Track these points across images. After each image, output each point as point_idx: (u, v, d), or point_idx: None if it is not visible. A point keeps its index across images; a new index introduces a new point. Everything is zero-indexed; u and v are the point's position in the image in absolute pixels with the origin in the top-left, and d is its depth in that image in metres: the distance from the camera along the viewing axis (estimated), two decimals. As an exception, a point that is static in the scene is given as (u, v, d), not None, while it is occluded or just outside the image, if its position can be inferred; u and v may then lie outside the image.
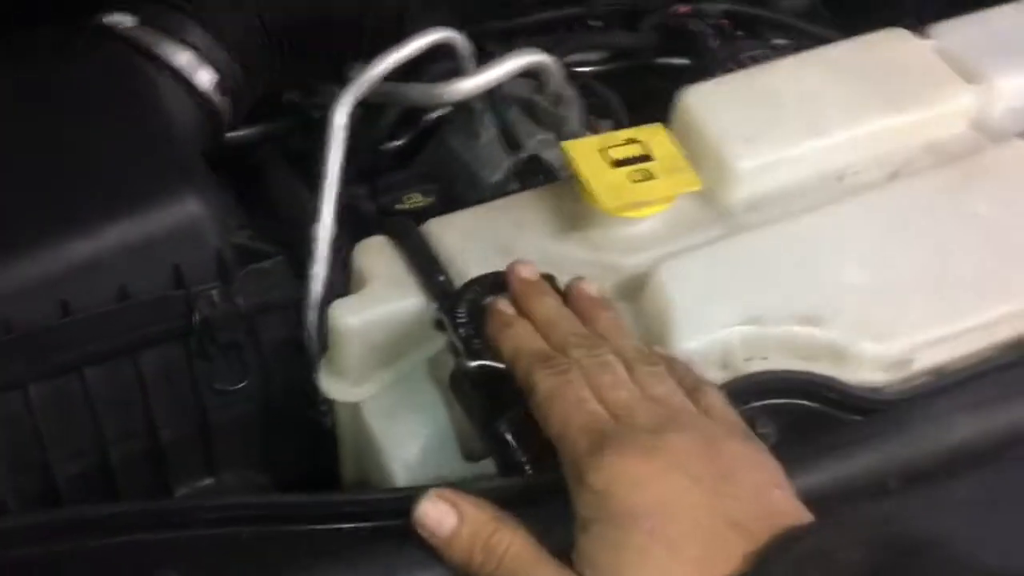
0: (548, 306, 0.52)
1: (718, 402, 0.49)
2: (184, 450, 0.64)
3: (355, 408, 0.61)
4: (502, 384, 0.53)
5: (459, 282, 0.59)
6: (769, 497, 0.44)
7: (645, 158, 0.62)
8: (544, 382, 0.48)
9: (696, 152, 0.64)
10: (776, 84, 0.67)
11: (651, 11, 0.97)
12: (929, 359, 0.56)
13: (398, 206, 0.79)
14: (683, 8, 0.95)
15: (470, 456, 0.59)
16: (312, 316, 0.67)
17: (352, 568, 0.47)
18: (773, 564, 0.41)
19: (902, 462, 0.51)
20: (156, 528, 0.46)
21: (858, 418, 0.53)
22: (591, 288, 0.55)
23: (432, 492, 0.47)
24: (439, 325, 0.55)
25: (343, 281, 0.72)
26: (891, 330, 0.56)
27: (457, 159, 0.83)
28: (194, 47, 0.72)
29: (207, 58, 0.73)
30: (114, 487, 0.63)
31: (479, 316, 0.54)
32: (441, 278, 0.59)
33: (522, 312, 0.52)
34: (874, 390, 0.55)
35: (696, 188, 0.61)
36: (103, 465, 0.62)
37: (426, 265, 0.60)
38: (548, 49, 0.84)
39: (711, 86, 0.67)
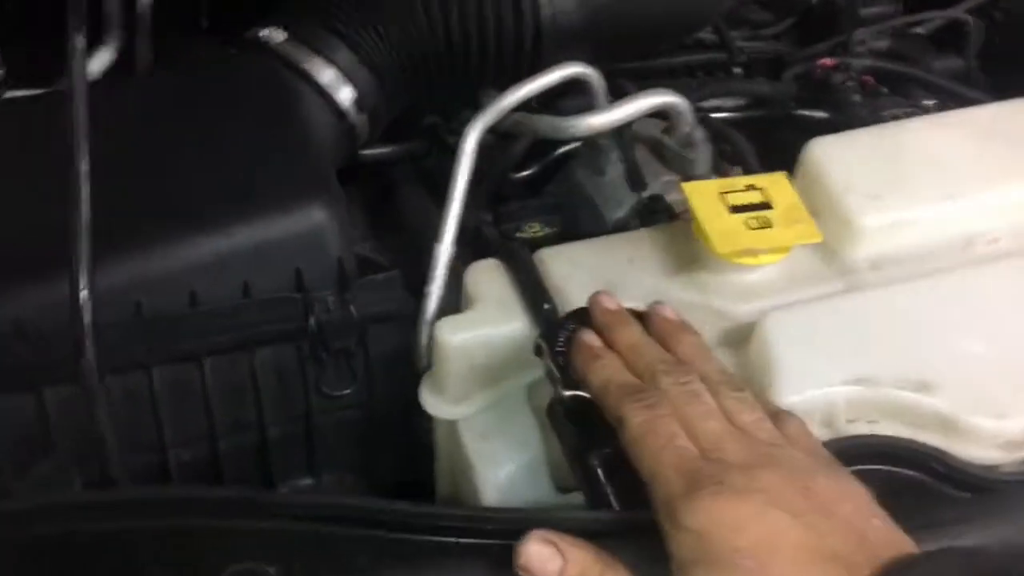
0: (632, 334, 0.52)
1: (802, 431, 0.48)
2: (289, 448, 0.67)
3: (452, 425, 0.62)
4: (597, 417, 0.53)
5: (564, 311, 0.59)
6: (867, 527, 0.43)
7: (765, 206, 0.61)
8: (634, 417, 0.48)
9: (819, 205, 0.63)
10: (910, 142, 0.65)
11: (795, 62, 0.97)
12: (1049, 441, 0.54)
13: (519, 234, 0.80)
14: (828, 61, 0.94)
15: (561, 486, 0.60)
16: (424, 332, 0.69)
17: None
18: None
19: (1004, 545, 0.48)
20: (252, 517, 0.48)
21: (965, 495, 0.51)
22: (670, 311, 0.55)
23: (536, 534, 0.46)
24: (538, 351, 0.55)
25: (456, 300, 0.74)
26: (1009, 407, 0.53)
27: (582, 193, 0.84)
28: (338, 65, 0.76)
29: (349, 77, 0.76)
30: (221, 477, 0.66)
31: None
32: (547, 306, 0.60)
33: (608, 343, 0.52)
34: (987, 468, 0.52)
35: (815, 240, 0.60)
36: (212, 454, 0.65)
37: (533, 291, 0.60)
38: (686, 92, 0.85)
39: (840, 138, 0.66)
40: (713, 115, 0.89)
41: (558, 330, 0.55)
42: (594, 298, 0.55)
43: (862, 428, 0.54)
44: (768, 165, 0.88)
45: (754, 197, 0.62)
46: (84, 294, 0.51)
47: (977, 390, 0.54)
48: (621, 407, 0.49)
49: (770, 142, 0.90)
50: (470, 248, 0.75)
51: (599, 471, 0.53)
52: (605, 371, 0.51)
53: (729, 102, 0.94)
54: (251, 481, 0.67)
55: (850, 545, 0.42)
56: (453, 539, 0.49)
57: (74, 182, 0.51)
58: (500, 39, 0.78)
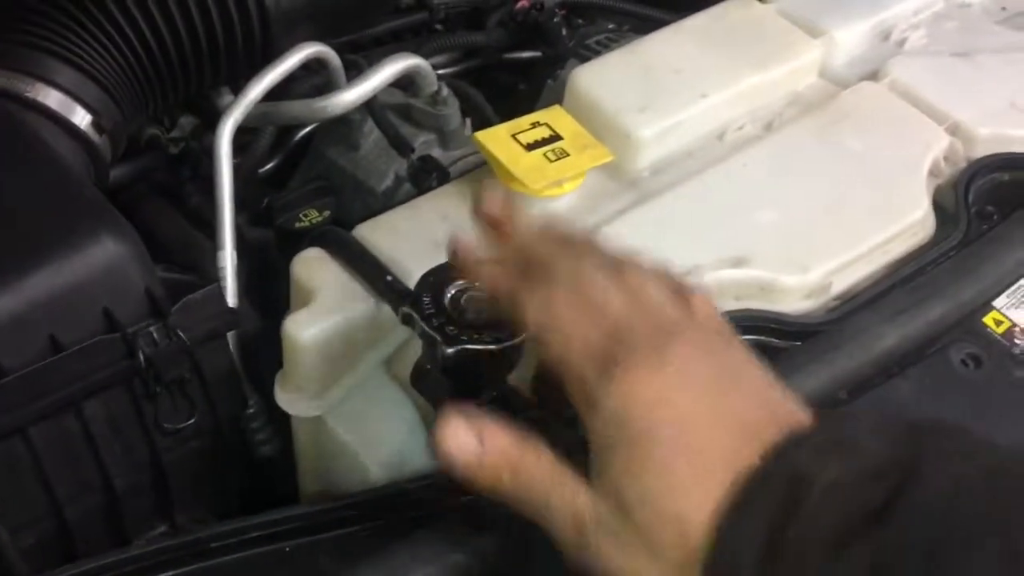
0: (521, 233, 0.50)
1: (705, 304, 0.48)
2: (139, 498, 0.62)
3: (317, 422, 0.61)
4: (472, 370, 0.54)
5: (405, 280, 0.60)
6: (774, 398, 0.44)
7: (555, 138, 0.65)
8: (532, 300, 0.46)
9: (594, 128, 0.68)
10: (651, 58, 0.72)
11: (491, 10, 1.01)
12: (842, 282, 0.62)
13: (297, 224, 0.78)
14: (523, 2, 0.99)
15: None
16: (232, 347, 0.67)
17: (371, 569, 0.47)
18: (793, 451, 0.40)
19: (847, 374, 0.56)
20: (182, 563, 0.45)
21: (798, 343, 0.58)
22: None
23: (453, 419, 0.45)
24: (407, 320, 0.55)
25: (246, 309, 0.71)
26: (807, 261, 0.61)
27: (341, 172, 0.84)
28: (64, 88, 0.69)
29: (79, 97, 0.70)
30: (73, 550, 0.60)
31: (444, 305, 0.55)
32: (389, 278, 0.60)
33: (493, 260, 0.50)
34: (806, 316, 0.60)
35: (608, 159, 0.65)
36: (60, 528, 0.59)
37: (372, 268, 0.60)
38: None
39: (596, 65, 0.72)
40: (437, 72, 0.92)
41: (420, 293, 0.55)
42: (453, 242, 0.52)
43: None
44: (499, 110, 0.93)
45: (542, 132, 0.65)
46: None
47: (779, 253, 0.61)
48: (517, 294, 0.46)
49: (486, 90, 0.95)
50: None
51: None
52: (488, 266, 0.49)
53: (440, 59, 0.97)
54: (105, 544, 0.61)
55: (759, 412, 0.43)
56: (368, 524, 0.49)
57: None
58: (229, 30, 0.75)
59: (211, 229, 0.80)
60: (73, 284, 0.58)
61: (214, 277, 0.69)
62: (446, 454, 0.45)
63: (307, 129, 0.89)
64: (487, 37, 0.97)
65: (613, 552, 0.42)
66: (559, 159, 0.64)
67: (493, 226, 0.51)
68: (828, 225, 0.63)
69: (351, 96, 0.78)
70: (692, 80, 0.70)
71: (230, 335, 0.66)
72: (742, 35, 0.74)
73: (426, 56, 0.93)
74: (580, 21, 1.00)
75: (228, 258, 0.73)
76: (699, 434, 0.42)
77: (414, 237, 0.63)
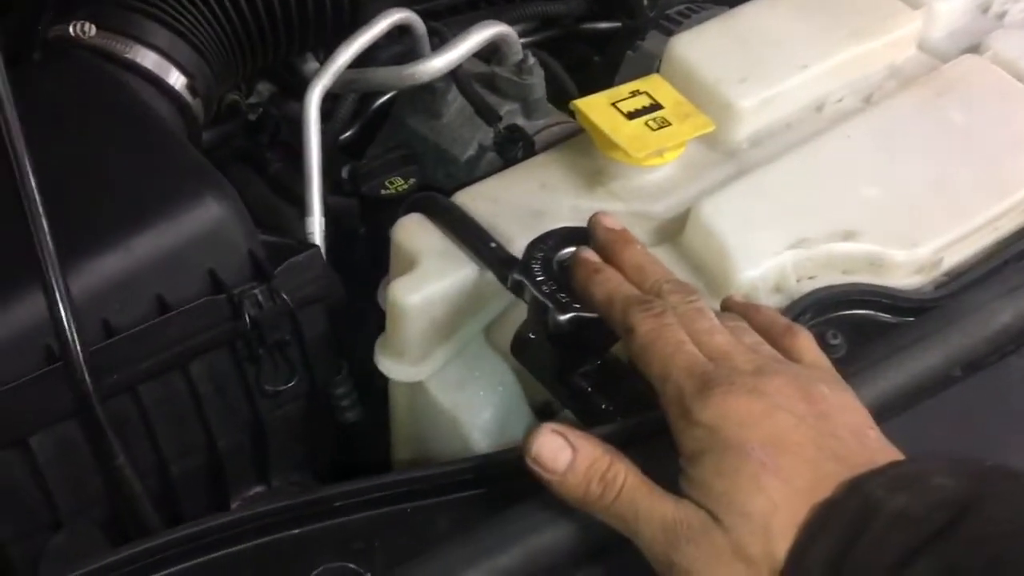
0: (638, 252, 0.53)
1: (810, 345, 0.50)
2: (240, 458, 0.62)
3: (417, 387, 0.61)
4: (579, 338, 0.54)
5: (507, 246, 0.59)
6: (866, 436, 0.46)
7: (656, 107, 0.64)
8: (643, 324, 0.49)
9: (693, 98, 0.67)
10: (749, 28, 0.71)
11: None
12: (952, 258, 0.61)
13: (384, 192, 0.78)
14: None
15: (542, 415, 0.60)
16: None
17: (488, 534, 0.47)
18: (866, 483, 0.42)
19: (961, 352, 0.55)
20: (305, 522, 0.45)
21: (910, 319, 0.57)
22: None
23: (545, 427, 0.47)
24: (517, 288, 0.55)
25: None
26: (916, 236, 0.60)
27: (423, 141, 0.83)
28: (161, 49, 0.70)
29: (175, 59, 0.70)
30: (176, 506, 0.60)
31: (554, 272, 0.55)
32: (493, 244, 0.59)
33: (609, 261, 0.53)
34: (918, 292, 0.59)
35: (711, 129, 0.64)
36: (164, 485, 0.59)
37: (473, 234, 0.60)
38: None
39: (693, 34, 0.70)
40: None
41: (530, 260, 0.55)
42: (595, 217, 0.55)
43: (808, 285, 0.59)
44: (576, 80, 0.92)
45: (643, 101, 0.65)
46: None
47: (888, 228, 0.60)
48: (629, 315, 0.49)
49: (567, 59, 0.94)
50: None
51: (588, 388, 0.55)
52: (609, 283, 0.51)
53: (519, 28, 0.96)
54: (206, 503, 0.62)
55: (851, 450, 0.44)
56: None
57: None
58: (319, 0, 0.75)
59: (290, 195, 0.80)
60: (178, 245, 0.58)
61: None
62: (537, 459, 0.46)
63: (386, 97, 0.88)
64: (566, 6, 0.96)
65: (704, 559, 0.43)
66: (661, 128, 0.63)
67: (608, 243, 0.54)
68: (935, 200, 0.62)
69: (439, 63, 0.77)
70: (791, 51, 0.69)
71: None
72: (840, 6, 0.73)
73: (510, 23, 0.92)
74: (656, -8, 0.99)
75: (316, 224, 0.73)
76: (790, 460, 0.44)
77: (514, 205, 0.63)
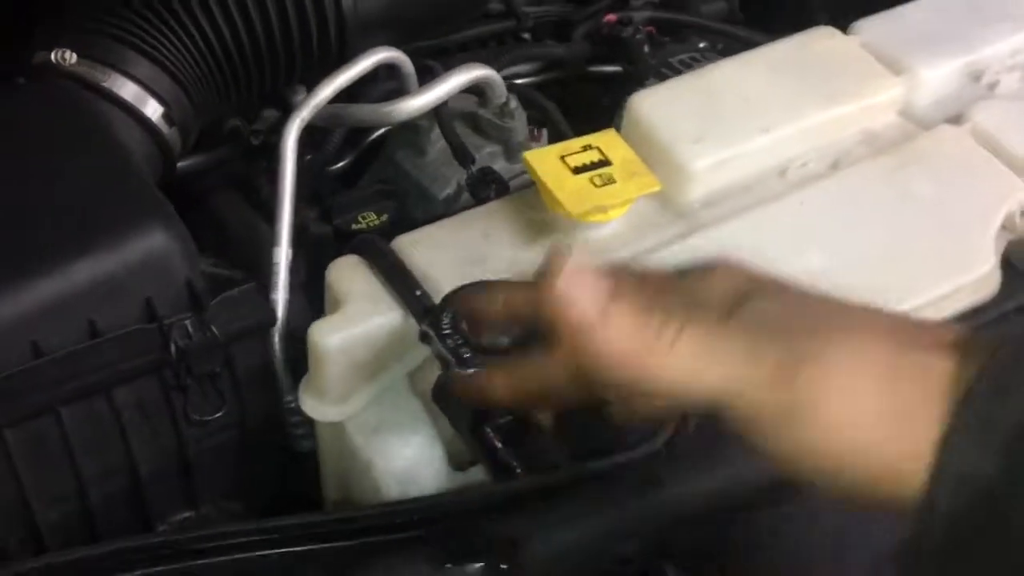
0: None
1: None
2: (164, 484, 0.64)
3: (338, 427, 0.61)
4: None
5: (434, 295, 0.60)
6: None
7: (604, 163, 0.64)
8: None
9: (648, 155, 0.66)
10: (719, 85, 0.70)
11: (580, 22, 1.00)
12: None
13: (354, 226, 0.79)
14: (612, 17, 0.98)
15: (459, 467, 0.60)
16: (277, 341, 0.68)
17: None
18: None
19: None
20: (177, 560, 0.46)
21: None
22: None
23: (582, 263, 0.40)
24: (424, 338, 0.55)
25: (301, 304, 0.72)
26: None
27: (406, 176, 0.84)
28: (139, 79, 0.72)
29: (153, 89, 0.72)
30: (95, 530, 0.62)
31: (461, 326, 0.55)
32: (418, 292, 0.60)
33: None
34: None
35: (656, 189, 0.63)
36: (83, 508, 0.61)
37: (402, 281, 0.60)
38: (486, 63, 0.86)
39: (658, 91, 0.70)
40: (515, 82, 0.91)
41: (440, 313, 0.55)
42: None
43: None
44: (574, 123, 0.92)
45: (592, 156, 0.64)
46: None
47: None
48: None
49: (570, 101, 0.94)
50: (300, 248, 0.74)
51: (497, 442, 0.55)
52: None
53: (524, 68, 0.97)
54: (127, 527, 0.63)
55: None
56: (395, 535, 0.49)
57: None
58: (304, 33, 0.77)
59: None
60: (117, 272, 0.60)
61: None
62: (568, 297, 0.39)
63: (381, 131, 0.90)
64: (569, 49, 0.96)
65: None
66: (605, 184, 0.63)
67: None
68: (881, 273, 0.60)
69: (417, 103, 0.78)
70: (756, 111, 0.68)
71: (278, 329, 0.67)
72: (819, 67, 0.71)
73: (505, 65, 0.93)
74: (667, 39, 0.98)
75: (283, 254, 0.74)
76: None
77: (453, 253, 0.63)
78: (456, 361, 0.53)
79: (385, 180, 0.85)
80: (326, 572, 0.48)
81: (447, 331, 0.54)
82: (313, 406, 0.61)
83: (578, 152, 0.65)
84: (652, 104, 0.68)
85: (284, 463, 0.67)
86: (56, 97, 0.68)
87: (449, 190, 0.82)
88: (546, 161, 0.64)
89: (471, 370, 0.53)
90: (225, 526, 0.48)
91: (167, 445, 0.63)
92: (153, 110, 0.72)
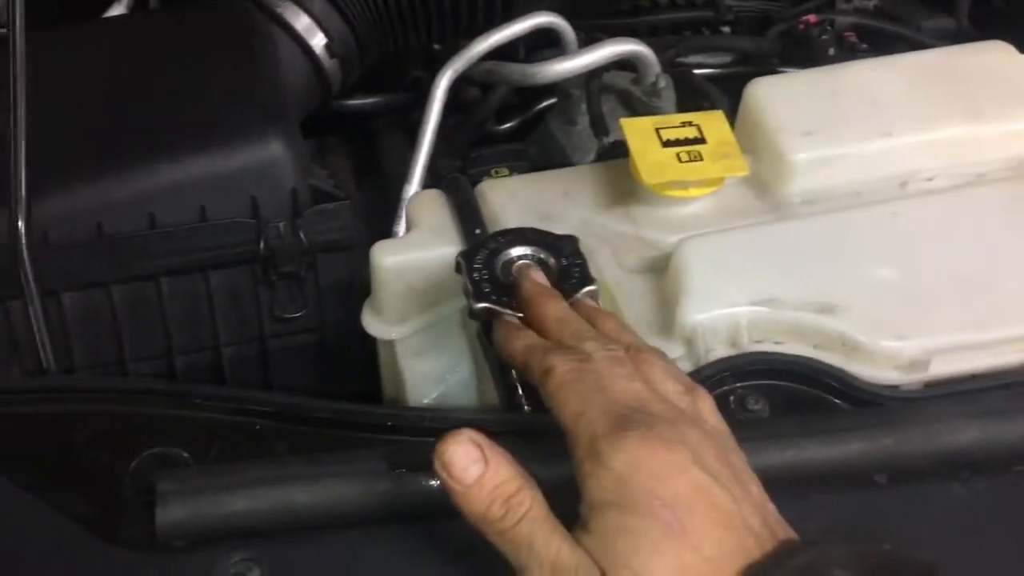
0: (560, 307, 0.52)
1: (712, 409, 0.47)
2: (243, 368, 0.70)
3: (391, 346, 0.65)
4: None
5: (497, 240, 0.61)
6: (768, 508, 0.43)
7: (698, 140, 0.63)
8: (563, 364, 0.46)
9: (756, 142, 0.64)
10: (849, 84, 0.66)
11: (782, 19, 0.97)
12: (949, 365, 0.54)
13: (486, 178, 0.82)
14: (812, 17, 0.95)
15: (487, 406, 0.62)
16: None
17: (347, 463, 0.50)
18: (771, 572, 0.40)
19: (887, 458, 0.49)
20: (172, 407, 0.51)
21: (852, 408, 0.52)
22: (593, 302, 0.54)
23: (464, 433, 0.45)
24: (457, 268, 0.57)
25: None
26: (909, 329, 0.54)
27: (555, 143, 0.87)
28: (312, 12, 0.79)
29: (322, 24, 0.79)
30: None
31: (495, 265, 0.56)
32: (478, 231, 0.62)
33: (533, 315, 0.52)
34: (887, 387, 0.53)
35: (741, 173, 0.61)
36: (170, 371, 0.69)
37: (468, 218, 0.63)
38: (663, 45, 0.86)
39: (781, 79, 0.68)
40: (696, 71, 0.91)
41: (477, 249, 0.57)
42: (523, 270, 0.54)
43: (768, 348, 0.55)
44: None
45: (689, 132, 0.63)
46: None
47: (881, 313, 0.55)
48: (549, 357, 0.47)
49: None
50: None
51: (517, 384, 0.56)
52: (527, 339, 0.50)
53: (713, 59, 0.95)
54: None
55: (759, 520, 0.42)
56: (369, 435, 0.51)
57: (14, 119, 0.55)
58: (470, -7, 0.81)
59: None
60: (232, 170, 0.67)
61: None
62: (447, 465, 0.45)
63: (549, 100, 0.92)
64: (756, 44, 0.93)
65: None
66: (691, 161, 0.62)
67: (533, 295, 0.53)
68: (956, 301, 0.55)
69: (562, 67, 0.80)
70: (883, 115, 0.64)
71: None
72: (974, 81, 0.66)
73: (690, 52, 0.93)
74: (864, 46, 0.93)
75: (411, 191, 0.79)
76: (700, 523, 0.41)
77: (527, 203, 0.64)
78: (474, 292, 0.55)
79: (538, 144, 0.88)
80: (288, 448, 0.51)
81: (478, 265, 0.56)
82: (370, 322, 0.64)
83: (675, 127, 0.64)
84: (769, 91, 0.66)
85: (358, 375, 0.72)
86: (233, 14, 0.76)
87: (589, 159, 0.84)
88: (641, 130, 0.64)
89: (483, 304, 0.54)
90: (236, 390, 0.52)
91: (251, 333, 0.69)
92: (318, 42, 0.79)
